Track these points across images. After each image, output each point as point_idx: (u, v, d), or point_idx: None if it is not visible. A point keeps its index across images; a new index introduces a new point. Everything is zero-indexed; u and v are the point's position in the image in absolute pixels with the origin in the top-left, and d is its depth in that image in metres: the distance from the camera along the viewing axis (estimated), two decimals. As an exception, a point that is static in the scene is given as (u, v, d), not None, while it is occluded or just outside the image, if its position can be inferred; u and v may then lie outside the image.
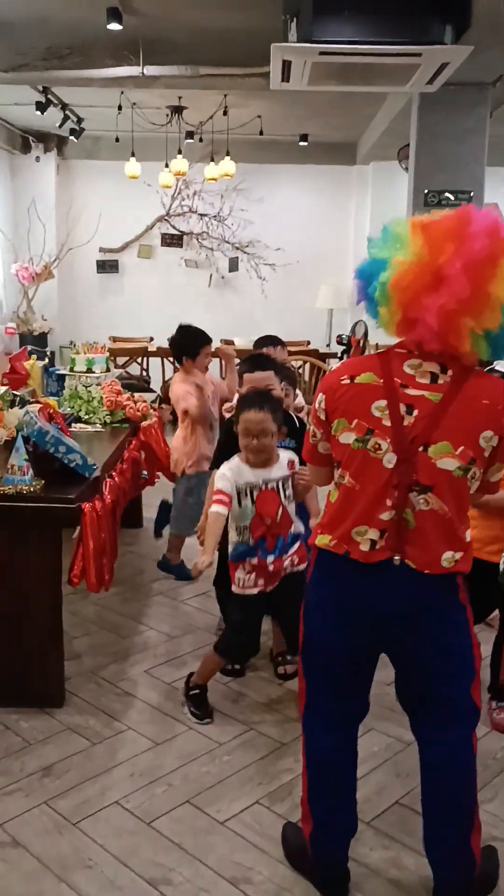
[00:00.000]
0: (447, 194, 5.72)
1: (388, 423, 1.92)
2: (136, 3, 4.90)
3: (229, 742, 2.93)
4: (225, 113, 7.17)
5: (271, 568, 2.91)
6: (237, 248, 9.61)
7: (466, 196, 5.72)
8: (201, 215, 9.59)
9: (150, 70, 5.45)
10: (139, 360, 8.82)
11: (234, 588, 3.00)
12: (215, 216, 9.54)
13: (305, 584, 2.19)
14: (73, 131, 8.23)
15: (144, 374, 8.84)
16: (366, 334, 9.21)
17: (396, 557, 1.93)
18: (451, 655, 2.02)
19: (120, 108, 7.14)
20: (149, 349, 8.70)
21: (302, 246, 9.57)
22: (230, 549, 2.98)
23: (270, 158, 9.31)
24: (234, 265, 9.72)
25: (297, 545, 2.99)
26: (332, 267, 9.84)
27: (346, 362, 2.09)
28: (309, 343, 9.48)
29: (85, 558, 3.08)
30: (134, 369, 8.83)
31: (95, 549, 3.10)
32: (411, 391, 1.92)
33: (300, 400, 3.73)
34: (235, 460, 2.92)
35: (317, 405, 2.07)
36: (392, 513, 1.93)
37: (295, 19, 4.35)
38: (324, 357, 8.48)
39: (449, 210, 1.92)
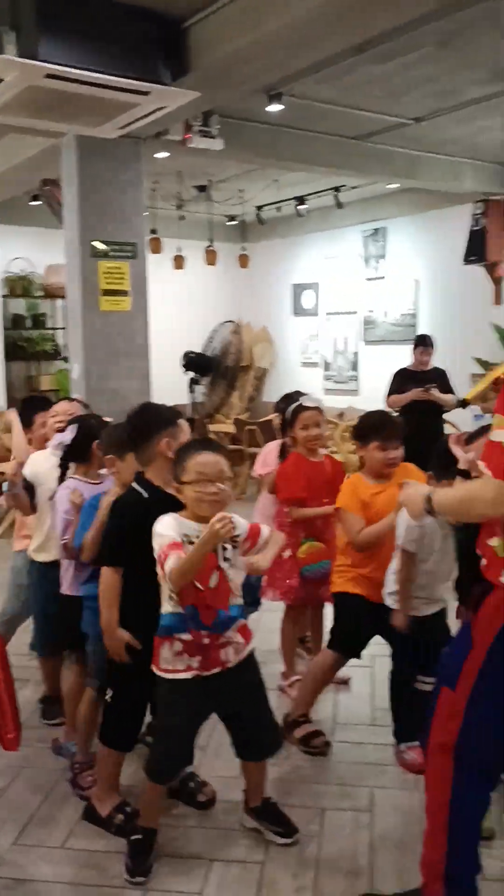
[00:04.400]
0: (113, 247, 5.50)
1: None
2: None
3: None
4: None
5: (206, 641, 2.42)
6: None
7: (132, 248, 5.56)
8: None
9: None
10: None
11: (157, 671, 2.46)
12: None
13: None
14: None
15: None
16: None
17: None
18: None
19: None
20: None
21: None
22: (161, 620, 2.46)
23: None
24: None
25: (238, 623, 2.52)
26: None
27: None
28: None
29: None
30: None
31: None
32: None
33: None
34: (173, 515, 2.44)
35: None
36: None
37: (15, 33, 3.78)
38: None
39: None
